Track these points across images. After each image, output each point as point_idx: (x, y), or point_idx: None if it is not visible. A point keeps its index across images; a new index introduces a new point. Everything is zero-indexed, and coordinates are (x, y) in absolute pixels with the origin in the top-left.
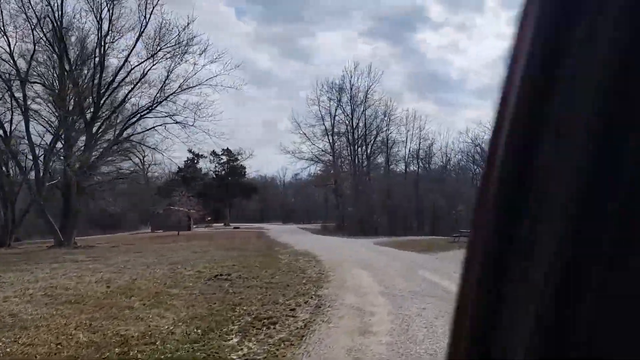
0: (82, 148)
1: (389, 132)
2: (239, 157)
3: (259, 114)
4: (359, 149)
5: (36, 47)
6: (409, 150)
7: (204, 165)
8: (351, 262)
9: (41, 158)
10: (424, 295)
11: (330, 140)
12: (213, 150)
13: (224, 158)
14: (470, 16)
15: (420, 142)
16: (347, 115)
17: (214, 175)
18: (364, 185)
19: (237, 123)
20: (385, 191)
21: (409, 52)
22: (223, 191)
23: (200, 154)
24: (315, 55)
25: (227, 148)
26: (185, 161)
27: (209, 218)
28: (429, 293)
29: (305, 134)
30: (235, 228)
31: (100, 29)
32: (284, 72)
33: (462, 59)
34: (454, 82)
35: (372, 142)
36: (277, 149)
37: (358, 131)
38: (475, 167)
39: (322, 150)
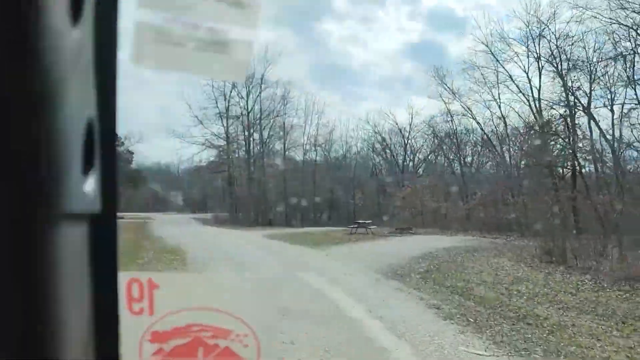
0: None
1: (287, 117)
2: (125, 142)
3: (157, 99)
4: (255, 134)
5: None
6: (308, 137)
7: None
8: (221, 263)
9: None
10: (296, 317)
11: (224, 124)
12: None
13: None
14: (372, 9)
15: (318, 128)
16: (242, 97)
17: None
18: (260, 172)
19: (133, 108)
20: (282, 179)
21: (312, 42)
22: None
23: None
24: None
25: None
26: None
27: None
28: (304, 310)
29: (197, 116)
30: (118, 218)
31: None
32: None
33: (363, 51)
34: (355, 74)
35: (269, 126)
36: (169, 133)
37: (254, 115)
38: (376, 156)
39: (216, 135)
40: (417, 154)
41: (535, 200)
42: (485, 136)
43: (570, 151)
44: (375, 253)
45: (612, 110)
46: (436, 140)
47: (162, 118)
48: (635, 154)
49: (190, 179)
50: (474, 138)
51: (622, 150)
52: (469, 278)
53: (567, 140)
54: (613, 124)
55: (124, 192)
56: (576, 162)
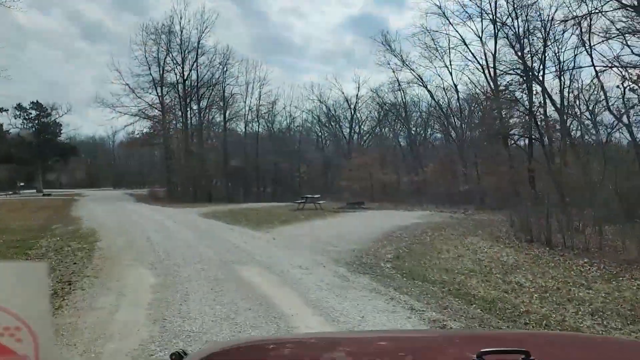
0: None
1: (227, 85)
2: (53, 113)
3: (91, 71)
4: (193, 103)
5: None
6: (250, 108)
7: (5, 121)
8: (140, 256)
9: None
10: None
11: (159, 93)
12: (19, 104)
13: (33, 113)
14: None
15: (260, 98)
16: (178, 63)
17: (19, 134)
18: (199, 145)
19: (63, 79)
20: (222, 152)
21: (253, 14)
22: (33, 152)
23: None
24: (154, 9)
25: (37, 101)
26: None
27: (22, 184)
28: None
29: (128, 84)
30: (45, 195)
31: None
32: (117, 26)
33: (305, 24)
34: (297, 47)
35: (207, 95)
36: (96, 102)
37: (191, 83)
38: (320, 127)
39: (150, 105)
40: (363, 126)
41: (492, 172)
42: (436, 106)
43: (526, 119)
44: (331, 234)
45: (561, 78)
46: (382, 111)
47: (96, 89)
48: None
49: (126, 153)
50: (425, 108)
51: (573, 119)
52: (451, 267)
53: (523, 107)
54: (562, 91)
55: (52, 167)
56: (533, 131)
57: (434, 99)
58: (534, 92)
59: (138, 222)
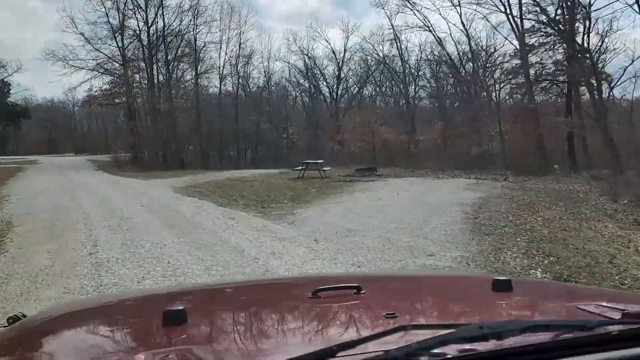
0: None
1: (198, 33)
2: (0, 71)
3: (45, 32)
4: (158, 55)
5: None
6: (225, 61)
7: None
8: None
9: None
10: None
11: (119, 44)
12: None
13: None
14: None
15: (239, 49)
16: (140, 7)
17: None
18: (167, 103)
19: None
20: (194, 112)
21: None
22: None
23: None
24: None
25: None
26: None
27: None
28: None
29: (83, 34)
30: None
31: None
32: None
33: None
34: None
35: (175, 46)
36: (45, 55)
37: (156, 31)
38: (304, 82)
39: (109, 58)
40: (351, 82)
41: (520, 130)
42: (445, 55)
43: (564, 68)
44: (399, 220)
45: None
46: (375, 64)
47: (52, 46)
48: None
49: (88, 116)
50: (427, 56)
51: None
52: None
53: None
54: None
55: (2, 131)
56: (581, 76)
57: (443, 47)
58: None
59: (89, 205)
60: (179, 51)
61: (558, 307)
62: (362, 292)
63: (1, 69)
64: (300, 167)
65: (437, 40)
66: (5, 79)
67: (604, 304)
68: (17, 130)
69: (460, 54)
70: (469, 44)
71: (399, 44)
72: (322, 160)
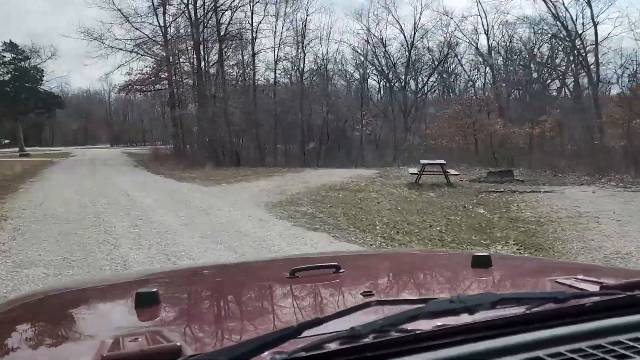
0: None
1: (256, 3)
2: (33, 56)
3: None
4: (207, 32)
5: None
6: (282, 40)
7: None
8: None
9: None
10: None
11: (161, 22)
12: None
13: (8, 56)
14: None
15: (305, 24)
16: None
17: None
18: (218, 89)
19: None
20: (251, 99)
21: None
22: (8, 103)
23: None
24: None
25: (11, 41)
26: None
27: (6, 141)
28: None
29: (120, 10)
30: (22, 155)
31: None
32: None
33: None
34: None
35: (227, 20)
36: (79, 32)
37: (204, 4)
38: (374, 71)
39: (149, 38)
40: (425, 69)
41: None
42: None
43: None
44: None
45: None
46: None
47: (92, 45)
48: None
49: (124, 105)
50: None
51: None
52: None
53: None
54: None
55: (36, 121)
56: None
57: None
58: None
59: (126, 236)
60: (230, 28)
61: (536, 281)
62: (340, 271)
63: (34, 54)
64: (416, 170)
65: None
66: (38, 66)
67: (583, 277)
68: (51, 120)
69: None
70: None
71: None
72: (443, 161)
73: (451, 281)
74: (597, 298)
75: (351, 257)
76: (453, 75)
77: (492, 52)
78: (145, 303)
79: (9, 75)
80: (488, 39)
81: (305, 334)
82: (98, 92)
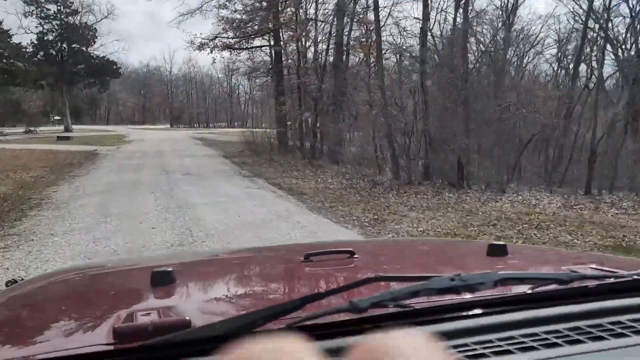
0: None
1: None
2: (83, 12)
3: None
4: None
5: None
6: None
7: (13, 22)
8: None
9: None
10: None
11: None
12: None
13: (52, 9)
14: None
15: None
16: None
17: (34, 41)
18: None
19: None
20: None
21: None
22: (53, 70)
23: None
24: None
25: None
26: None
27: (57, 117)
28: None
29: None
30: (60, 139)
31: None
32: None
33: None
34: None
35: None
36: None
37: None
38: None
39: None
40: None
41: None
42: None
43: None
44: None
45: None
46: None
47: (151, 27)
48: None
49: (187, 80)
50: None
51: None
52: None
53: None
54: None
55: (88, 94)
56: None
57: None
58: None
59: None
60: None
61: (550, 270)
62: (355, 256)
63: (84, 9)
64: None
65: None
66: (89, 23)
67: (597, 266)
68: (103, 93)
69: None
70: None
71: None
72: None
73: (465, 268)
74: (599, 281)
75: (368, 244)
76: None
77: None
78: (161, 281)
79: (54, 34)
80: None
81: (308, 307)
82: (159, 68)
